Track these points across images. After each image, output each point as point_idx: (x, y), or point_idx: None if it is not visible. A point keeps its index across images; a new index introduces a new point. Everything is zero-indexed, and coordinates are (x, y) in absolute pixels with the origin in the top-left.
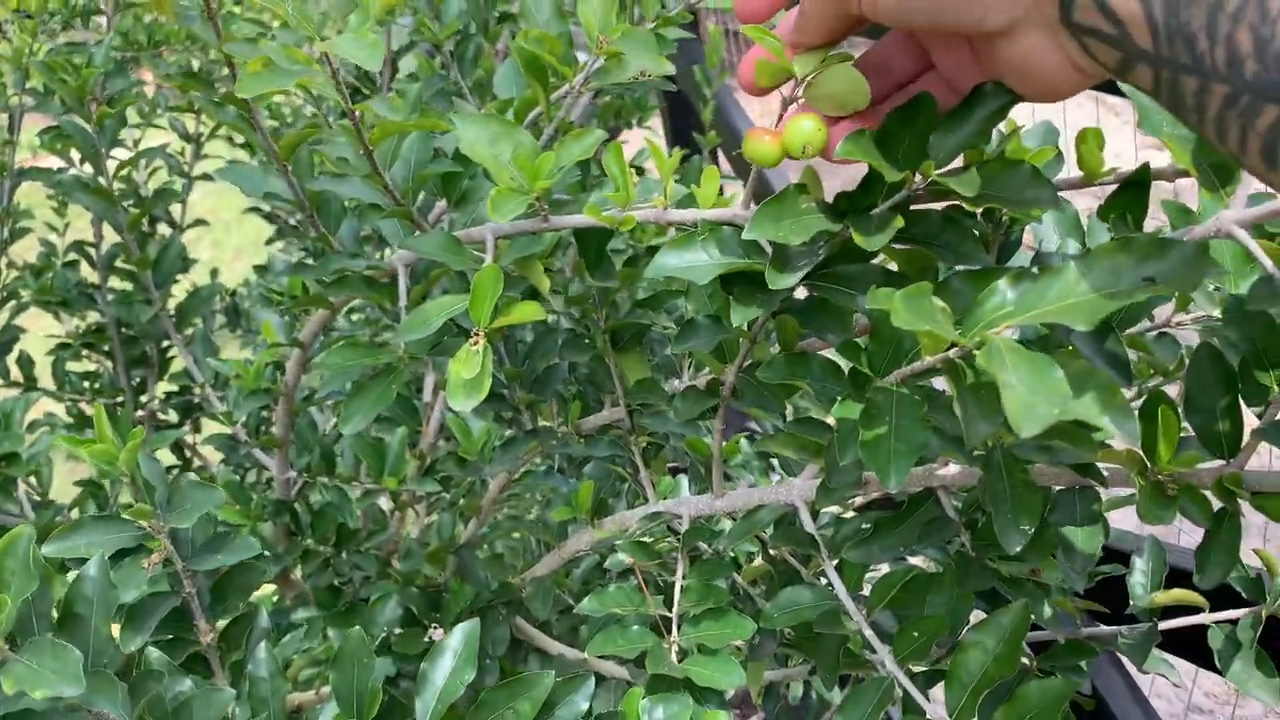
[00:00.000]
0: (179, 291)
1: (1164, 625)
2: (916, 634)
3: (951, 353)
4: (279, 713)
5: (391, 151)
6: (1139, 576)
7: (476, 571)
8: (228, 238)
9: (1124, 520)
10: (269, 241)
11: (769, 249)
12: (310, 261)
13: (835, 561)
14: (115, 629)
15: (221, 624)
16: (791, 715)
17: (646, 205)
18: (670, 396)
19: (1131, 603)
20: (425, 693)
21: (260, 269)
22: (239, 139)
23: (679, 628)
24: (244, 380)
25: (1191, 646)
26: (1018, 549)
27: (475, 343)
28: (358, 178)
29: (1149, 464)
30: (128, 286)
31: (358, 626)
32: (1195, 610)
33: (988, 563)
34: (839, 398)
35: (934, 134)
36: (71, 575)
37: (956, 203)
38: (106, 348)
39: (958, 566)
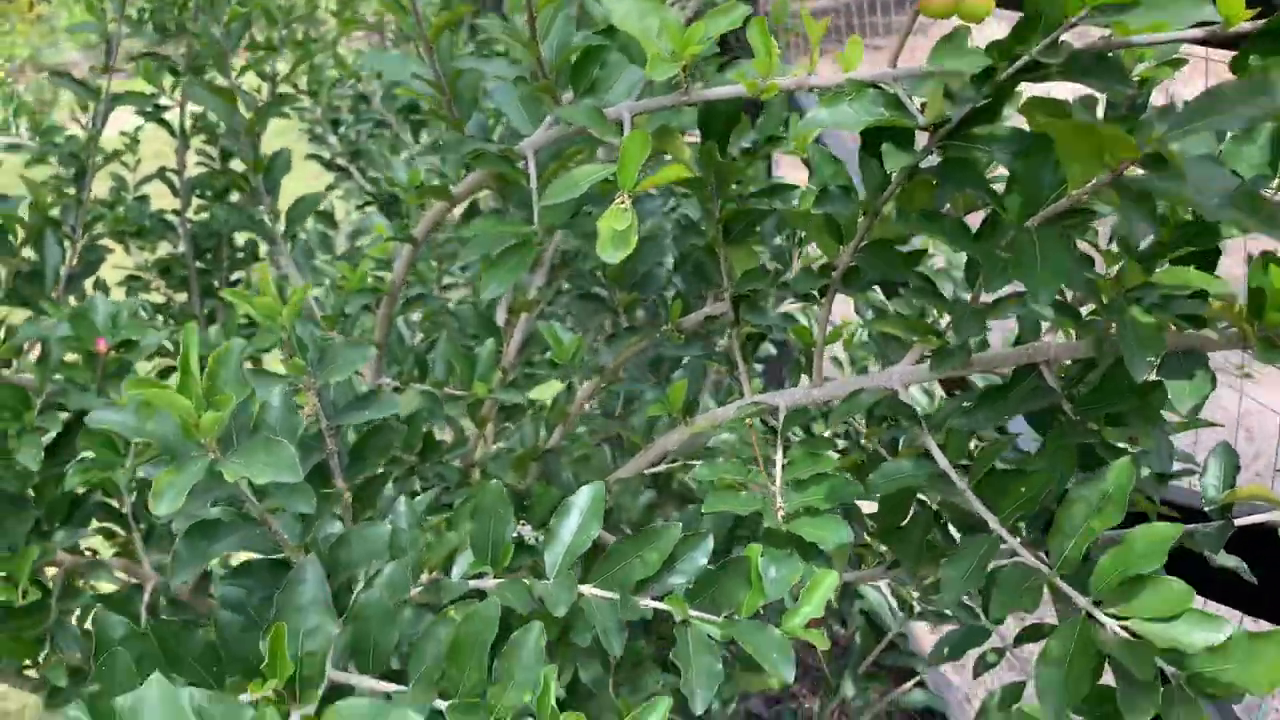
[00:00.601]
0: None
1: (1240, 521)
2: (1024, 489)
3: (1104, 175)
4: (417, 560)
5: (545, 26)
6: (1211, 479)
7: (561, 475)
8: (285, 185)
9: None
10: (329, 189)
11: (911, 107)
12: (438, 147)
13: (938, 439)
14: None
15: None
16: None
17: (788, 77)
18: (779, 284)
19: (1203, 501)
20: (554, 547)
21: (321, 214)
22: (302, 85)
23: (783, 495)
24: (349, 281)
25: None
26: (1144, 378)
27: (622, 202)
28: (501, 59)
29: (1257, 323)
30: (205, 216)
31: (495, 480)
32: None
33: (1090, 426)
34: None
35: None
36: None
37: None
38: (183, 274)
39: (1061, 428)
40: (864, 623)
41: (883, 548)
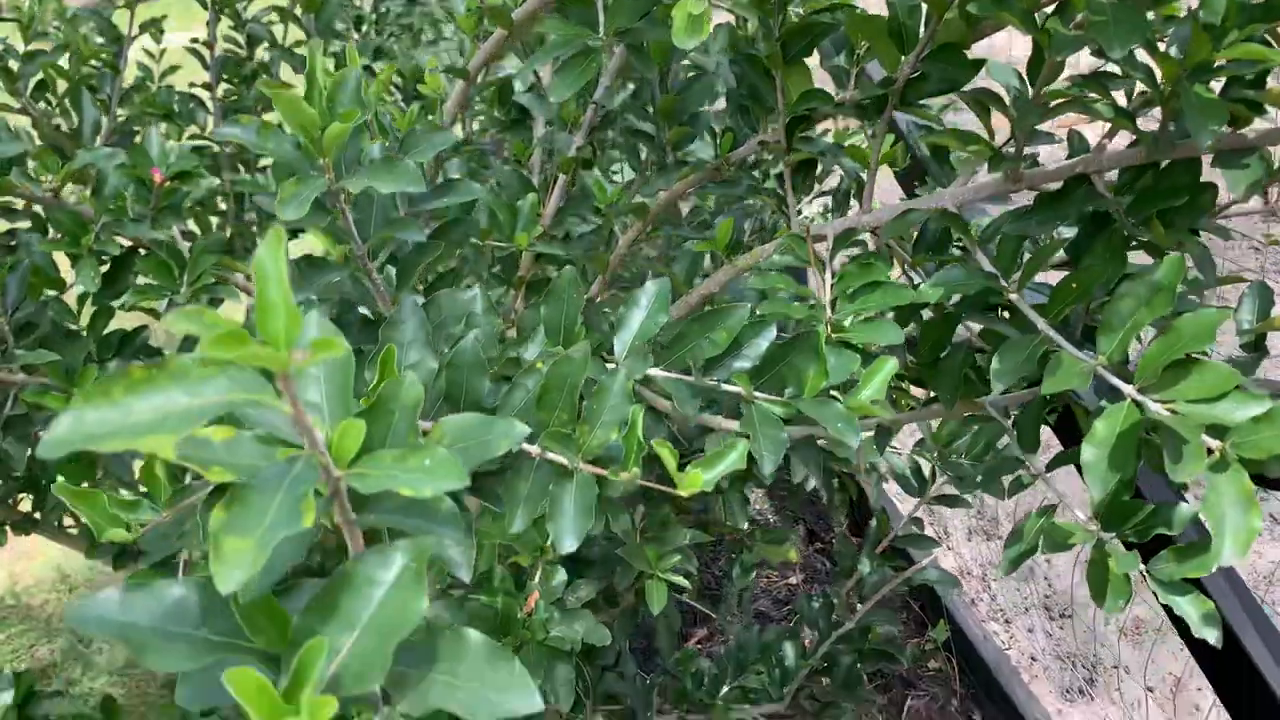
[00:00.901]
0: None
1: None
2: (1075, 285)
3: None
4: (493, 338)
5: None
6: (1245, 314)
7: (603, 325)
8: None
9: None
10: None
11: None
12: None
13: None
14: None
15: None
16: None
17: None
18: (836, 104)
19: (1237, 334)
20: (623, 332)
21: None
22: None
23: (833, 307)
24: (399, 121)
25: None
26: (1208, 144)
27: None
28: None
29: None
30: (235, 98)
31: (569, 266)
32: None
33: (1140, 229)
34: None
35: None
36: None
37: None
38: (214, 153)
39: (1112, 231)
40: (881, 510)
41: (918, 392)
